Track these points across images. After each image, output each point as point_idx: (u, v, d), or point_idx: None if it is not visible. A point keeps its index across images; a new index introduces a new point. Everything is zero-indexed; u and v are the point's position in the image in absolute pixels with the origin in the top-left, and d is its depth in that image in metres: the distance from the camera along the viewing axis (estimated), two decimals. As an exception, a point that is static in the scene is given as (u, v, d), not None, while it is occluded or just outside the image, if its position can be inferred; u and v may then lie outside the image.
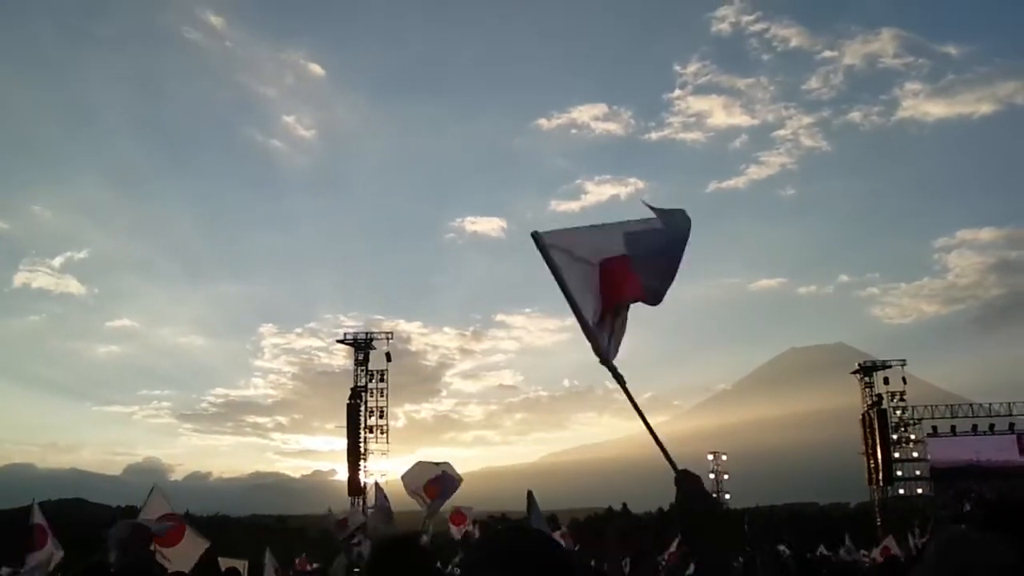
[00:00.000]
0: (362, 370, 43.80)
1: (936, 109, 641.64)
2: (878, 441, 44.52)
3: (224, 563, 16.30)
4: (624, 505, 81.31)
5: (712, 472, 54.53)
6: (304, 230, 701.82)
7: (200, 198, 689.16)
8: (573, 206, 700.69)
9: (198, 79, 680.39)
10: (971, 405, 47.17)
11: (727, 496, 54.96)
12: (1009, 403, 44.67)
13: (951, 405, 46.97)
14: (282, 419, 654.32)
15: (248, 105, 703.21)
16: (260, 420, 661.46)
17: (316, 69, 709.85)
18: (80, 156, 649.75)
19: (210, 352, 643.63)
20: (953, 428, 44.51)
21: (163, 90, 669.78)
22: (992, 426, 44.05)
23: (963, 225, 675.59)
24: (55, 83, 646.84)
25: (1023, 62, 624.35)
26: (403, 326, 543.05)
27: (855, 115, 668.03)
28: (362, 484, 41.41)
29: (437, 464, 12.38)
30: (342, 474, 44.65)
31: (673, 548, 15.02)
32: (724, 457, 55.60)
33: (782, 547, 21.52)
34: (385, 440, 43.67)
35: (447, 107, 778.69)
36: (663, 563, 13.46)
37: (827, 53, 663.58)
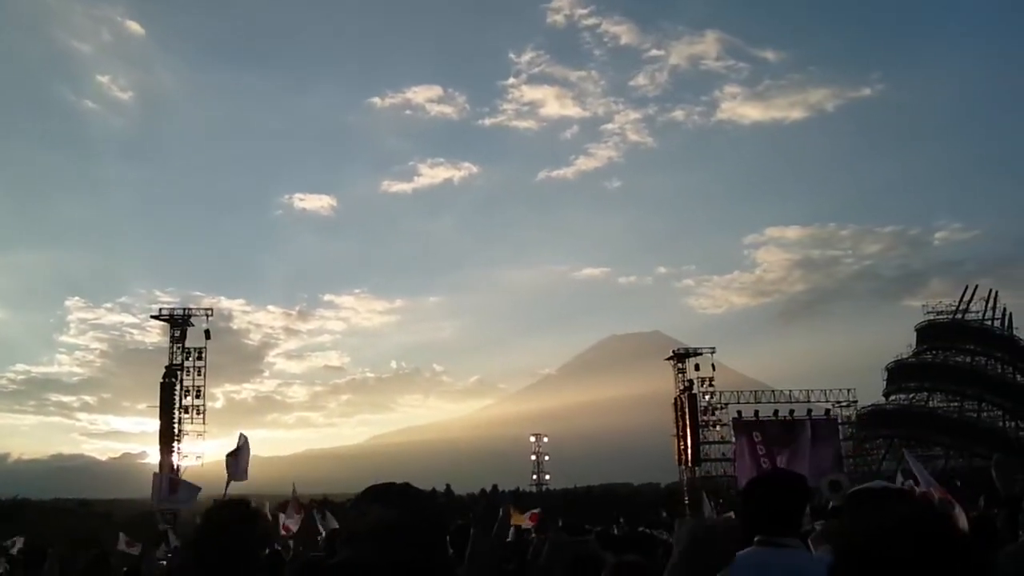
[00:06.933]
0: (178, 347, 42.06)
1: (752, 112, 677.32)
2: (688, 424, 46.81)
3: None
4: (448, 486, 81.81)
5: (534, 454, 55.84)
6: (118, 198, 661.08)
7: (1, 158, 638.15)
8: (406, 187, 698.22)
9: (3, 29, 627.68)
10: (773, 391, 50.30)
11: (547, 476, 56.46)
12: (808, 390, 48.13)
13: (755, 391, 49.94)
14: (89, 398, 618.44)
15: (60, 61, 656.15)
16: (65, 399, 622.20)
17: (135, 27, 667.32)
18: None
19: (9, 325, 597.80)
20: (756, 413, 47.29)
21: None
22: (792, 411, 47.07)
23: (772, 223, 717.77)
24: None
25: (833, 71, 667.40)
26: (224, 303, 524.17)
27: (678, 113, 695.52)
28: (175, 467, 39.75)
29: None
30: (153, 457, 42.81)
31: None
32: (546, 439, 57.07)
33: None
34: (202, 421, 42.25)
35: (277, 78, 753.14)
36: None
37: (654, 52, 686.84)
